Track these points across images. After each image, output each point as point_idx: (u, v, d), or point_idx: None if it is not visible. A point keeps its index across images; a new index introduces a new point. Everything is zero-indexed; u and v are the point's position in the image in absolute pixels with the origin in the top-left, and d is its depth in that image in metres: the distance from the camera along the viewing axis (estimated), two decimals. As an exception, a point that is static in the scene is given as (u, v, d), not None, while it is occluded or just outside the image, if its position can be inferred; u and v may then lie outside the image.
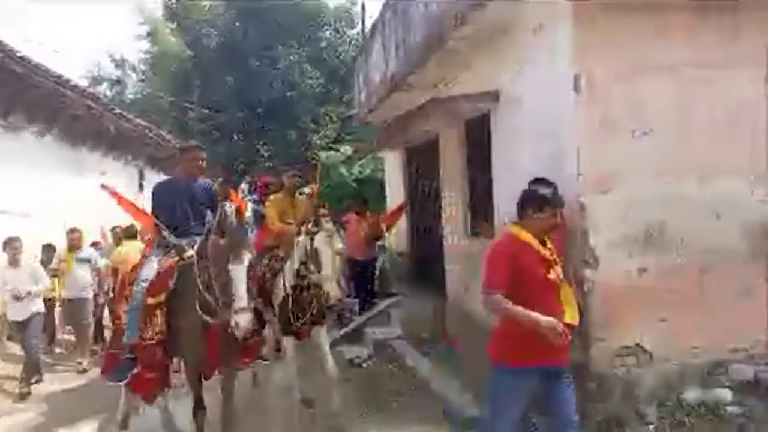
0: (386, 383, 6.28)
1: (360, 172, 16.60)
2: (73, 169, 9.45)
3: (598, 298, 4.46)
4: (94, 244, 8.73)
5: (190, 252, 4.20)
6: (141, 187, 12.96)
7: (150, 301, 4.14)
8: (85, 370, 7.48)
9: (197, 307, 3.90)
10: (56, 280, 7.76)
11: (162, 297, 4.13)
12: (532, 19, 5.26)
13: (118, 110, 10.18)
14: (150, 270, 4.38)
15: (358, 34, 21.45)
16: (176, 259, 4.27)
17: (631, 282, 4.50)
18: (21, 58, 6.72)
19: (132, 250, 7.33)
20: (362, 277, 9.15)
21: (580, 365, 4.37)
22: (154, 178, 12.33)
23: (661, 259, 4.58)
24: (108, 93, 21.70)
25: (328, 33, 21.60)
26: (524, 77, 5.50)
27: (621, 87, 4.72)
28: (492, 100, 6.03)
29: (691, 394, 4.47)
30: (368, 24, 15.39)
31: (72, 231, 7.83)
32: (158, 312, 4.10)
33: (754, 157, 4.82)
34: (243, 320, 3.55)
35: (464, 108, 6.44)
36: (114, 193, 5.79)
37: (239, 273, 3.61)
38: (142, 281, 4.30)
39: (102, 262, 8.16)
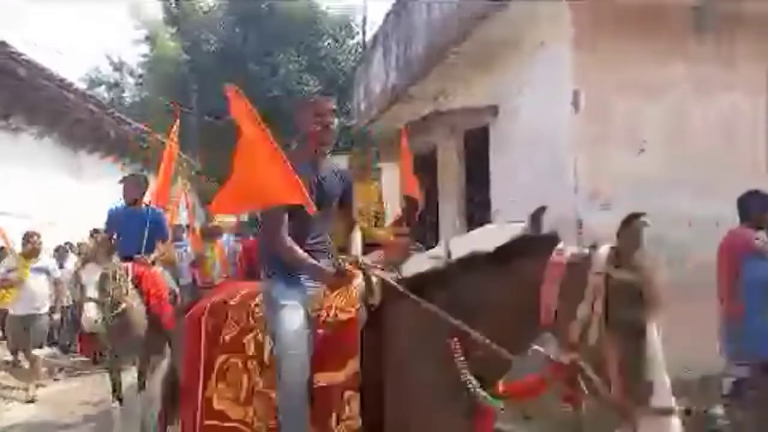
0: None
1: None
2: (71, 171, 9.47)
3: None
4: (60, 251, 7.69)
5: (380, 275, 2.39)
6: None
7: (324, 380, 2.26)
8: (32, 401, 6.20)
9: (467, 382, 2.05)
10: (3, 291, 6.66)
11: (351, 369, 2.22)
12: (533, 37, 5.37)
13: (118, 114, 10.23)
14: (294, 320, 2.34)
15: (357, 44, 21.60)
16: (352, 293, 2.37)
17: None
18: (26, 60, 6.78)
19: None
20: None
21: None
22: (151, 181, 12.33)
23: (656, 274, 4.65)
24: (106, 96, 21.70)
25: (327, 42, 21.74)
26: (524, 92, 5.60)
27: (618, 104, 4.84)
28: (491, 114, 6.14)
29: (683, 409, 4.54)
30: (368, 34, 15.60)
31: (29, 235, 6.56)
32: (347, 395, 2.21)
33: (750, 173, 4.92)
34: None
35: (464, 121, 6.55)
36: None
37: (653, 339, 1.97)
38: (291, 350, 2.29)
39: (59, 273, 6.91)
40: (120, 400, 4.60)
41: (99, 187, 10.33)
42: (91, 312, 4.03)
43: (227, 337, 2.52)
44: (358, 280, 2.40)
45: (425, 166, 8.49)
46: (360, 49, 19.15)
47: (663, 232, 4.70)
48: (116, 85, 22.82)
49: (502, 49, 5.78)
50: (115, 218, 5.03)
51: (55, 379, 7.15)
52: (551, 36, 5.15)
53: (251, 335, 2.48)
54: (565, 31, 4.96)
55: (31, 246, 6.48)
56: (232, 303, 2.62)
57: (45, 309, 6.49)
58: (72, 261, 7.69)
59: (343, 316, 2.33)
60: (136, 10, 22.11)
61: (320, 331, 2.35)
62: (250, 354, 2.45)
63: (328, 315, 2.36)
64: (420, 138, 7.42)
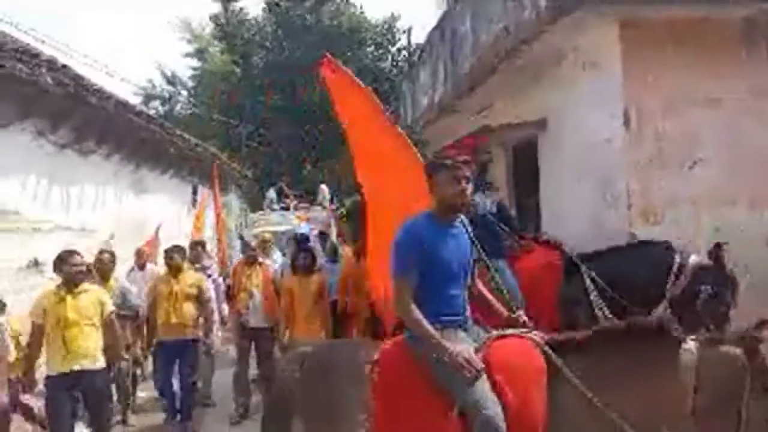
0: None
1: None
2: (134, 188, 10.01)
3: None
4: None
5: None
6: (194, 202, 13.54)
7: None
8: None
9: None
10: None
11: None
12: (582, 53, 5.45)
13: (180, 133, 10.74)
14: None
15: (399, 50, 21.84)
16: None
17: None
18: (95, 89, 7.24)
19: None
20: None
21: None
22: (206, 193, 12.83)
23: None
24: (160, 109, 22.58)
25: (369, 49, 22.10)
26: (574, 107, 5.67)
27: (670, 119, 4.87)
28: (540, 127, 6.22)
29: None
30: (410, 40, 15.70)
31: None
32: None
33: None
34: None
35: (513, 135, 6.66)
36: None
37: None
38: None
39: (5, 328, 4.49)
40: None
41: (159, 201, 10.91)
42: None
43: None
44: None
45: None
46: (404, 55, 19.36)
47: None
48: (170, 98, 23.67)
49: (551, 64, 5.86)
50: (421, 243, 2.54)
51: None
52: (600, 52, 5.21)
53: None
54: (614, 47, 5.02)
55: None
56: None
57: None
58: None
59: None
60: (186, 24, 22.98)
61: None
62: None
63: None
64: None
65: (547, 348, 2.43)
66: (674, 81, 4.83)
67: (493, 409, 2.26)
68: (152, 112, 18.99)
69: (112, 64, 33.33)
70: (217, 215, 9.49)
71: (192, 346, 5.55)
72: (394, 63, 21.80)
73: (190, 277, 5.73)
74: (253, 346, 6.20)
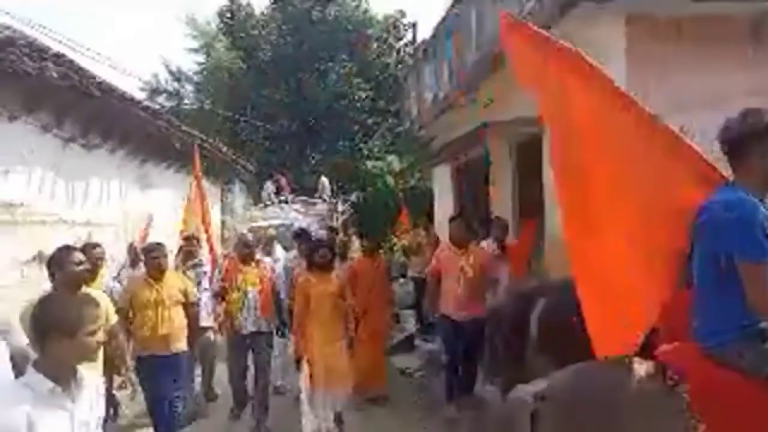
0: (437, 394, 6.47)
1: (405, 182, 16.93)
2: (139, 183, 10.06)
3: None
4: None
5: None
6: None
7: None
8: None
9: None
10: None
11: None
12: (587, 48, 5.40)
13: (185, 128, 10.77)
14: None
15: (405, 45, 21.82)
16: None
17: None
18: (99, 82, 7.26)
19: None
20: (463, 355, 5.63)
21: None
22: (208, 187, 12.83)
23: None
24: (166, 104, 22.59)
25: (375, 45, 22.11)
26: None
27: (675, 117, 4.82)
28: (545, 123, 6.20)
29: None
30: (415, 35, 15.69)
31: None
32: None
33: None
34: None
35: (517, 131, 6.64)
36: None
37: None
38: None
39: None
40: None
41: (164, 195, 10.95)
42: None
43: None
44: None
45: (478, 174, 8.61)
46: (409, 50, 19.36)
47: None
48: (176, 93, 23.69)
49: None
50: None
51: None
52: (605, 47, 5.18)
53: None
54: (619, 43, 5.00)
55: None
56: None
57: None
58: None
59: None
60: (191, 20, 22.97)
61: None
62: None
63: None
64: (473, 147, 7.56)
65: None
66: (679, 78, 4.80)
67: None
68: (158, 107, 19.03)
69: (118, 58, 33.34)
70: (203, 206, 8.45)
71: (183, 360, 4.90)
72: (399, 58, 21.80)
73: (175, 279, 4.99)
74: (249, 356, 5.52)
